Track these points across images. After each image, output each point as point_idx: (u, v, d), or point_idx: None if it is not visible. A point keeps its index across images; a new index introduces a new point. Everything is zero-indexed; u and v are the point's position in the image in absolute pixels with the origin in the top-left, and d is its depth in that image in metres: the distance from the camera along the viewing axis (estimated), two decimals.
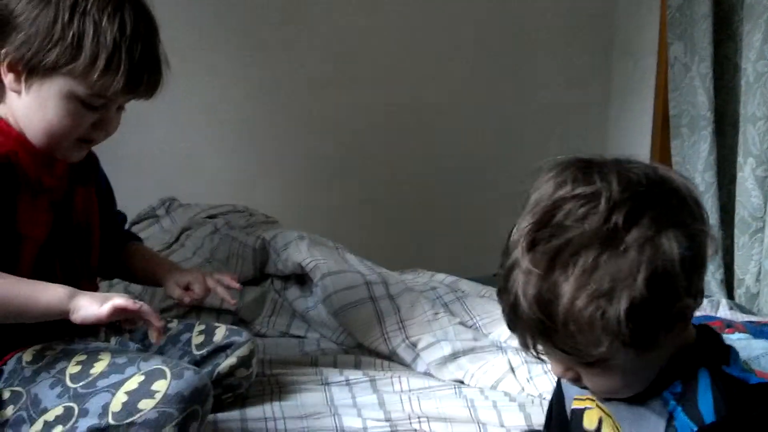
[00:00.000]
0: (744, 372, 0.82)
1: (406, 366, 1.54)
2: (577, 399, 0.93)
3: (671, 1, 2.42)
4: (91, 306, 1.08)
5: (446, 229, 2.70)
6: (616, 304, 0.74)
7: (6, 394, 1.14)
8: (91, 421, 1.07)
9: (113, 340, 1.31)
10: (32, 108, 1.15)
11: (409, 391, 1.39)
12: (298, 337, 1.73)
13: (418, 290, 1.73)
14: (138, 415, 1.06)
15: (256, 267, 1.89)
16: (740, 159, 2.23)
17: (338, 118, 2.59)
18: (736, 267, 2.23)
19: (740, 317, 1.83)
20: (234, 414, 1.28)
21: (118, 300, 1.08)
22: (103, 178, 1.38)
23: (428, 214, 2.70)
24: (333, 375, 1.43)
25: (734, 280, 2.25)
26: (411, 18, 2.62)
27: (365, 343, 1.61)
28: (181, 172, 2.43)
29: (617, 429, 0.86)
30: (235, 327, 1.35)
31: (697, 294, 0.81)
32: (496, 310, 1.68)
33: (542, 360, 0.88)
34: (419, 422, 1.27)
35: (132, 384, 1.08)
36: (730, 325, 1.63)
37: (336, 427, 1.26)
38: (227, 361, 1.29)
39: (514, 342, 1.57)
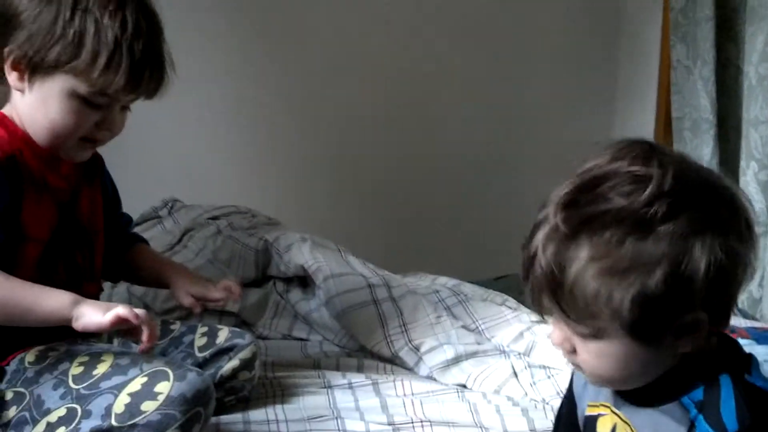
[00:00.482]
0: (766, 381, 0.81)
1: (409, 369, 1.54)
2: (591, 406, 0.92)
3: (674, 3, 2.42)
4: (94, 314, 1.08)
5: (449, 232, 2.70)
6: (626, 287, 0.74)
7: (9, 395, 1.14)
8: (94, 422, 1.07)
9: (116, 342, 1.31)
10: (35, 106, 1.15)
11: (412, 394, 1.39)
12: (301, 339, 1.73)
13: (420, 293, 1.73)
14: (141, 416, 1.06)
15: (259, 269, 1.89)
16: (743, 163, 2.23)
17: (341, 121, 2.59)
18: None
19: (743, 323, 1.83)
20: (236, 417, 1.28)
21: (122, 310, 1.08)
22: (108, 180, 1.38)
23: (431, 217, 2.70)
24: (336, 378, 1.43)
25: None
26: (411, 17, 2.61)
27: (368, 346, 1.61)
28: (183, 174, 2.43)
29: None
30: (237, 329, 1.35)
31: (718, 312, 0.79)
32: (498, 314, 1.69)
33: (545, 320, 0.88)
34: (422, 426, 1.27)
35: (135, 385, 1.08)
36: (734, 331, 1.62)
37: (339, 430, 1.26)
38: (230, 364, 1.29)
39: (517, 346, 1.58)
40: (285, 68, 2.53)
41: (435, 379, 1.49)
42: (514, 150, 2.76)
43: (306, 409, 1.31)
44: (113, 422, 1.06)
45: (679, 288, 0.75)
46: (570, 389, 0.99)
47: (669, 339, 0.78)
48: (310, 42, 2.52)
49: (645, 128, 2.63)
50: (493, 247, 2.66)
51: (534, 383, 1.43)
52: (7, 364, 1.17)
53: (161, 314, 1.70)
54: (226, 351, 1.30)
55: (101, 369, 1.12)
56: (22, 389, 1.14)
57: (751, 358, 0.83)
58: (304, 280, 1.82)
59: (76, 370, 1.13)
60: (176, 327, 1.36)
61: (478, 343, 1.56)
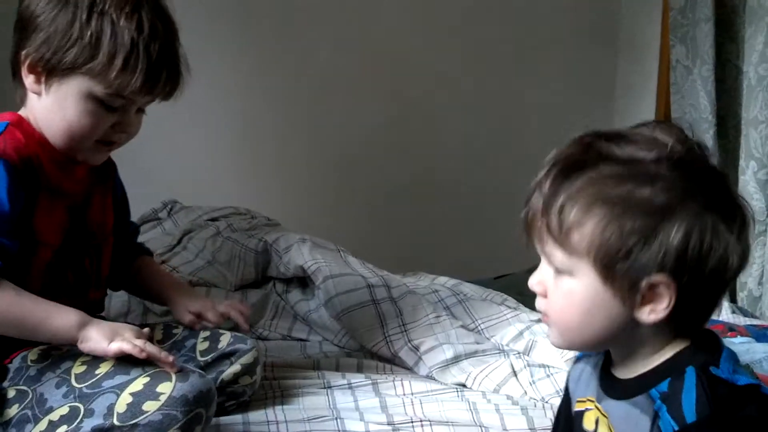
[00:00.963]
0: (735, 374, 0.82)
1: (409, 369, 1.54)
2: (579, 401, 0.93)
3: (673, 3, 2.42)
4: (99, 341, 1.10)
5: (448, 232, 2.70)
6: (610, 220, 0.79)
7: (11, 393, 1.14)
8: (96, 421, 1.07)
9: None
10: (52, 109, 1.16)
11: (412, 394, 1.39)
12: (300, 340, 1.73)
13: (419, 293, 1.73)
14: (142, 416, 1.06)
15: (258, 270, 1.89)
16: (742, 162, 2.23)
17: (340, 122, 2.59)
18: None
19: (742, 321, 1.83)
20: (236, 418, 1.28)
21: (126, 345, 1.09)
22: (119, 186, 1.38)
23: (430, 217, 2.70)
24: (335, 378, 1.43)
25: (737, 283, 2.25)
26: (413, 19, 2.62)
27: (367, 346, 1.61)
28: (183, 175, 2.44)
29: (611, 429, 0.86)
30: (239, 334, 1.35)
31: (691, 294, 0.81)
32: (498, 314, 1.69)
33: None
34: (421, 426, 1.27)
35: (137, 385, 1.08)
36: (733, 329, 1.62)
37: (338, 430, 1.26)
38: (231, 369, 1.29)
39: (517, 345, 1.58)
40: (286, 70, 2.53)
41: (434, 379, 1.49)
42: (514, 151, 2.75)
43: (306, 409, 1.31)
44: (115, 421, 1.06)
45: (655, 240, 0.78)
46: (567, 387, 1.00)
47: (634, 297, 0.80)
48: (311, 43, 2.53)
49: None
50: (493, 246, 2.67)
51: (533, 382, 1.43)
52: (10, 362, 1.17)
53: (161, 315, 1.70)
54: (228, 356, 1.30)
55: (104, 368, 1.12)
56: (24, 387, 1.14)
57: (723, 351, 0.84)
58: (303, 281, 1.82)
59: (78, 368, 1.13)
60: (179, 331, 1.36)
61: (478, 343, 1.56)
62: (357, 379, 1.43)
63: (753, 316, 2.02)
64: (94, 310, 1.32)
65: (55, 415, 1.09)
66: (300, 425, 1.26)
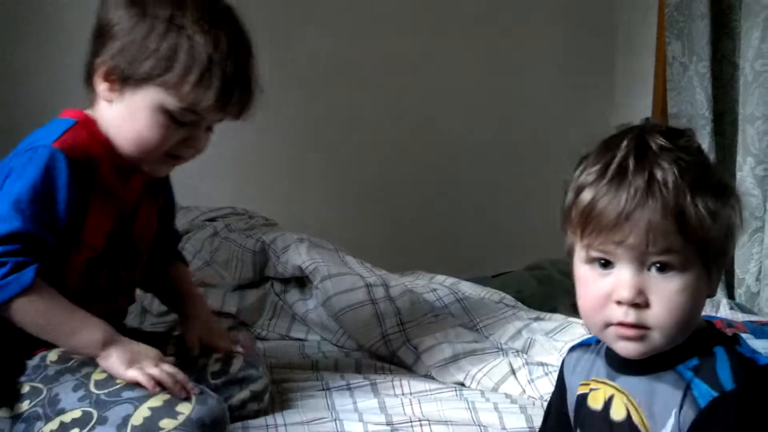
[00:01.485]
0: (754, 353, 0.87)
1: (407, 368, 1.54)
2: (582, 384, 0.94)
3: (669, 0, 2.42)
4: (117, 366, 1.12)
5: (447, 231, 2.70)
6: (727, 211, 0.85)
7: (26, 389, 1.14)
8: (109, 430, 1.07)
9: None
10: (123, 117, 1.16)
11: (410, 394, 1.38)
12: (299, 340, 1.73)
13: (418, 292, 1.73)
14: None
15: (256, 270, 1.89)
16: (739, 158, 2.23)
17: (337, 121, 2.59)
18: (736, 266, 2.23)
19: (741, 317, 1.83)
20: (236, 423, 1.27)
21: (141, 377, 1.10)
22: (170, 194, 1.39)
23: (428, 216, 2.70)
24: (334, 379, 1.43)
25: (734, 279, 2.25)
26: (411, 18, 2.62)
27: (366, 346, 1.61)
28: (180, 175, 2.43)
29: (632, 404, 0.87)
30: (251, 360, 1.33)
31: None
32: (496, 312, 1.69)
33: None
34: (420, 425, 1.27)
35: (157, 401, 1.08)
36: (731, 325, 1.63)
37: (337, 431, 1.25)
38: (240, 395, 1.28)
39: (515, 344, 1.58)
40: (280, 69, 2.52)
41: (433, 378, 1.49)
42: (513, 148, 2.76)
43: (304, 411, 1.31)
44: None
45: (735, 223, 0.86)
46: (560, 378, 1.00)
47: (714, 278, 0.87)
48: (305, 42, 2.52)
49: None
50: (491, 244, 2.68)
51: (532, 380, 1.42)
52: (30, 359, 1.17)
53: (158, 316, 1.70)
54: (239, 381, 1.29)
55: None
56: (40, 385, 1.14)
57: (737, 336, 0.90)
58: (301, 281, 1.82)
59: (99, 375, 1.13)
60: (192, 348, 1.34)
61: (476, 341, 1.56)
62: (355, 379, 1.43)
63: (751, 313, 2.02)
64: (119, 317, 1.33)
65: (67, 417, 1.09)
66: (299, 428, 1.26)
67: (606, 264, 0.85)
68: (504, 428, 1.28)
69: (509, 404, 1.35)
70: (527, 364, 1.47)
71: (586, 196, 0.84)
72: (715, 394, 0.82)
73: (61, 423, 1.09)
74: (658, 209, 0.81)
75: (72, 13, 1.95)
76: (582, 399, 0.93)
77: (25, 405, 1.13)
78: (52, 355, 1.17)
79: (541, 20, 2.76)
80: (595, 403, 0.91)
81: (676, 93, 2.42)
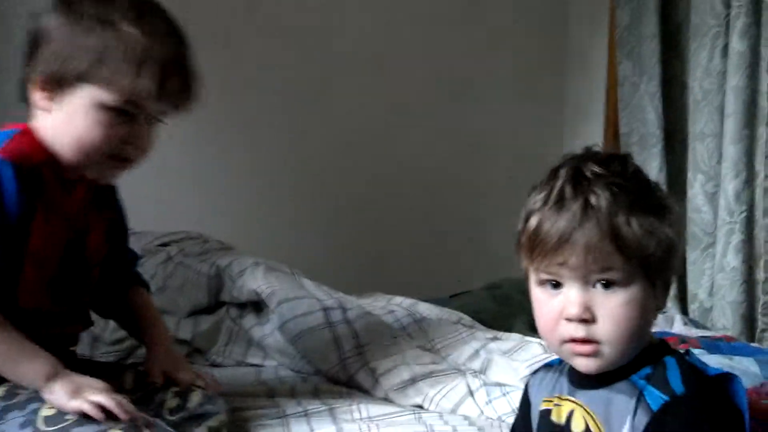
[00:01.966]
0: (704, 365, 0.93)
1: (366, 392, 1.52)
2: (545, 401, 0.98)
3: (619, 20, 2.47)
4: (60, 398, 1.08)
5: (404, 252, 2.70)
6: (663, 225, 0.89)
7: None
8: None
9: None
10: (62, 122, 1.14)
11: (368, 418, 1.37)
12: (256, 365, 1.70)
13: (376, 314, 1.72)
14: None
15: (211, 295, 1.86)
16: (690, 175, 2.27)
17: (291, 144, 2.57)
18: (689, 282, 2.26)
19: (694, 332, 1.86)
20: None
21: (85, 405, 1.07)
22: (120, 210, 1.36)
23: (386, 238, 2.69)
24: (290, 406, 1.40)
25: (688, 295, 2.28)
26: (370, 44, 2.63)
27: (323, 370, 1.59)
28: (132, 200, 2.39)
29: (590, 416, 0.92)
30: (210, 395, 1.28)
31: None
32: (454, 333, 1.69)
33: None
34: None
35: None
36: (684, 341, 1.64)
37: None
38: (198, 431, 1.24)
39: (473, 364, 1.57)
40: (237, 90, 2.51)
41: (392, 401, 1.48)
42: (468, 170, 2.77)
43: None
44: None
45: (678, 242, 0.91)
46: (525, 397, 1.04)
47: (659, 292, 0.91)
48: (266, 64, 2.52)
49: (594, 143, 2.67)
50: (448, 265, 2.68)
51: (490, 401, 1.42)
52: None
53: (109, 344, 1.66)
54: (197, 417, 1.25)
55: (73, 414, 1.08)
56: None
57: (688, 350, 0.97)
58: (258, 305, 1.79)
59: (47, 411, 1.09)
60: (151, 380, 1.29)
61: (434, 363, 1.55)
62: (313, 405, 1.41)
63: (704, 328, 2.05)
64: (71, 342, 1.29)
65: None
66: None
67: (556, 285, 0.91)
68: None
69: (467, 426, 1.34)
70: (485, 384, 1.46)
71: (533, 222, 0.91)
72: (666, 398, 0.86)
73: None
74: (594, 231, 0.87)
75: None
76: (545, 414, 0.97)
77: None
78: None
79: (492, 39, 2.79)
80: (558, 418, 0.95)
81: (628, 112, 2.45)
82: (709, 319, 2.17)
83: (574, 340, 0.89)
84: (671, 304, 2.24)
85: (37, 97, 1.15)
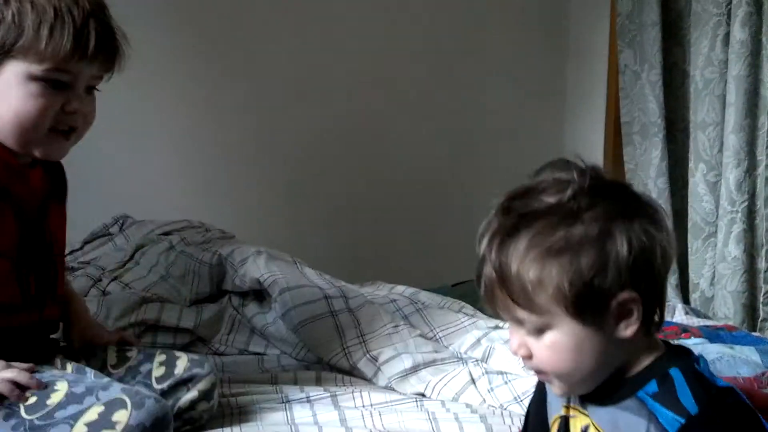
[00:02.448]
0: (712, 375, 0.88)
1: (368, 380, 1.53)
2: (564, 407, 0.96)
3: (621, 8, 2.46)
4: None
5: (405, 241, 2.70)
6: (562, 267, 0.83)
7: None
8: None
9: (69, 367, 1.26)
10: None
11: (371, 406, 1.37)
12: (258, 354, 1.71)
13: (377, 303, 1.72)
14: None
15: (213, 283, 1.86)
16: (691, 165, 2.27)
17: (293, 132, 2.57)
18: (690, 271, 2.27)
19: (696, 321, 1.86)
20: None
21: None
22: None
23: (387, 227, 2.70)
24: (293, 392, 1.41)
25: (689, 284, 2.28)
26: (364, 30, 2.62)
27: (326, 358, 1.59)
28: (135, 189, 2.40)
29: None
30: (196, 357, 1.31)
31: (648, 295, 0.85)
32: (456, 322, 1.69)
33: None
34: None
35: (92, 415, 1.06)
36: (686, 330, 1.65)
37: None
38: (188, 395, 1.25)
39: (474, 353, 1.58)
40: (237, 82, 2.51)
41: (394, 389, 1.48)
42: (468, 159, 2.77)
43: (263, 426, 1.29)
44: None
45: (608, 264, 0.83)
46: (543, 390, 1.01)
47: (609, 320, 0.85)
48: (262, 53, 2.51)
49: (595, 133, 2.67)
50: (450, 254, 2.68)
51: (491, 389, 1.42)
52: None
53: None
54: (185, 382, 1.26)
55: (55, 398, 1.09)
56: None
57: (699, 358, 0.90)
58: (260, 294, 1.80)
59: (28, 400, 1.10)
60: (133, 354, 1.32)
61: (436, 351, 1.56)
62: (315, 392, 1.41)
63: (705, 317, 2.05)
64: (49, 329, 1.29)
65: None
66: None
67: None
68: None
69: (469, 414, 1.35)
70: (487, 373, 1.47)
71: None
72: (681, 420, 0.82)
73: None
74: (489, 274, 0.85)
75: None
76: (564, 422, 0.95)
77: None
78: None
79: (493, 28, 2.78)
80: (575, 430, 0.93)
81: (629, 101, 2.45)
82: (711, 308, 2.18)
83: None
84: (673, 294, 2.24)
85: None
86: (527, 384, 1.42)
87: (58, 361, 1.24)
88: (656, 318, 0.88)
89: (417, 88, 2.70)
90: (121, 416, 1.05)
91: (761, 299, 2.03)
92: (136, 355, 1.32)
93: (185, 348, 1.65)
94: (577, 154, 0.91)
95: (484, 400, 1.42)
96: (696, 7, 2.25)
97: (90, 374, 1.21)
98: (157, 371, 1.28)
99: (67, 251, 2.03)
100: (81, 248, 2.12)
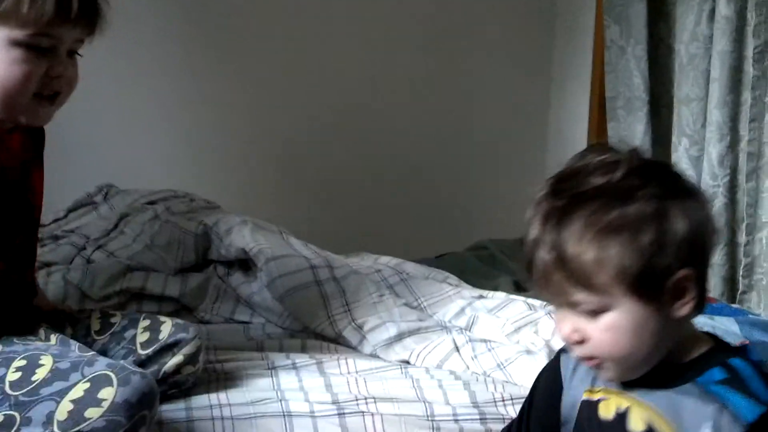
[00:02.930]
0: (762, 361, 0.88)
1: (353, 348, 1.54)
2: (589, 391, 0.94)
3: None
4: None
5: (390, 213, 2.71)
6: (622, 245, 0.82)
7: None
8: (35, 429, 1.03)
9: (53, 338, 1.25)
10: None
11: (356, 372, 1.39)
12: (243, 323, 1.72)
13: (363, 273, 1.73)
14: (85, 423, 1.03)
15: (199, 253, 1.87)
16: (675, 139, 2.28)
17: (281, 102, 2.57)
18: None
19: None
20: (179, 404, 1.25)
21: None
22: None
23: (373, 198, 2.70)
24: (279, 359, 1.42)
25: None
26: (359, 15, 2.61)
27: (311, 327, 1.60)
28: (119, 158, 2.39)
29: (659, 417, 0.86)
30: (181, 322, 1.32)
31: (701, 272, 0.85)
32: (440, 291, 1.71)
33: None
34: (366, 403, 1.28)
35: (77, 392, 1.05)
36: None
37: (283, 411, 1.25)
38: (174, 360, 1.26)
39: (458, 321, 1.60)
40: (224, 52, 2.49)
41: (378, 357, 1.50)
42: (453, 133, 2.77)
43: (250, 391, 1.30)
44: (56, 429, 1.03)
45: (667, 241, 0.83)
46: (556, 373, 1.00)
47: (668, 299, 0.84)
48: (253, 26, 2.50)
49: (580, 108, 2.68)
50: (435, 226, 2.70)
51: (475, 356, 1.44)
52: None
53: (98, 301, 1.67)
54: (170, 347, 1.27)
55: (40, 374, 1.08)
56: None
57: (745, 346, 0.90)
58: (245, 263, 1.80)
59: (13, 375, 1.09)
60: (117, 320, 1.32)
61: (421, 320, 1.57)
62: (301, 359, 1.43)
63: None
64: (30, 292, 1.29)
65: None
66: (244, 408, 1.25)
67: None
68: (448, 403, 1.29)
69: (453, 380, 1.37)
70: (471, 341, 1.48)
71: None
72: (760, 407, 0.81)
73: None
74: (546, 258, 0.84)
75: None
76: (591, 406, 0.93)
77: None
78: None
79: (481, 4, 2.77)
80: (606, 413, 0.90)
81: (614, 76, 2.46)
82: None
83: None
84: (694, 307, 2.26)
85: None
86: (510, 352, 1.44)
87: (42, 332, 1.24)
88: (706, 292, 0.87)
89: (405, 65, 2.69)
90: (107, 393, 1.05)
91: (741, 272, 2.06)
92: (120, 320, 1.32)
93: (170, 316, 1.66)
94: (620, 138, 0.89)
95: (468, 367, 1.44)
96: None
97: (75, 347, 1.20)
98: (142, 336, 1.28)
99: (50, 219, 2.05)
100: (65, 216, 2.11)
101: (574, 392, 0.96)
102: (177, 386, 1.28)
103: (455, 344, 1.48)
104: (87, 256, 1.87)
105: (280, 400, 1.27)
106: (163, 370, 1.25)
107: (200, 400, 1.27)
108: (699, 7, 2.18)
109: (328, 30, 2.57)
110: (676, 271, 0.83)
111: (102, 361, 1.11)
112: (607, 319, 0.84)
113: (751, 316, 1.69)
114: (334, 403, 1.27)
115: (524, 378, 1.36)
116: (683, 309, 0.85)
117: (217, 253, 1.84)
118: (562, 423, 0.97)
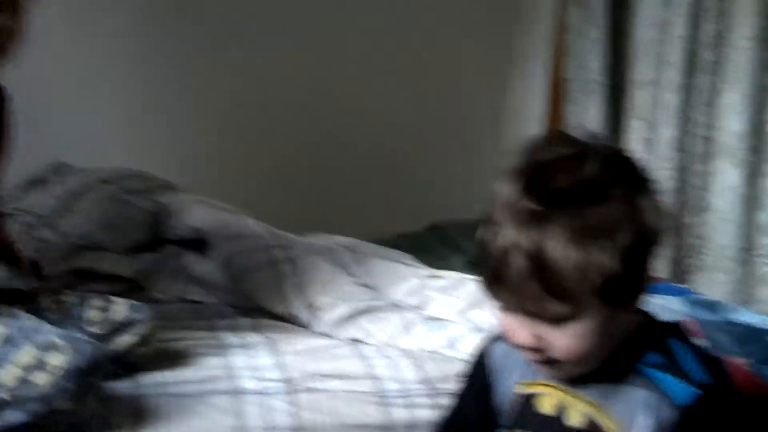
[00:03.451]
0: (700, 345, 0.88)
1: (305, 327, 1.54)
2: (527, 384, 0.91)
3: None
4: None
5: (348, 193, 2.70)
6: (604, 248, 0.77)
7: None
8: None
9: (2, 310, 1.25)
10: None
11: (307, 350, 1.39)
12: (196, 302, 1.70)
13: (317, 252, 1.73)
14: (33, 389, 1.03)
15: (152, 232, 1.84)
16: (629, 122, 2.31)
17: (237, 81, 2.54)
18: None
19: None
20: (128, 383, 1.25)
21: None
22: None
23: (330, 178, 2.69)
24: (230, 338, 1.42)
25: None
26: None
27: (265, 306, 1.60)
28: (73, 135, 2.34)
29: (595, 408, 0.85)
30: (135, 302, 1.31)
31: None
32: (394, 270, 1.71)
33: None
34: (316, 381, 1.28)
35: (26, 356, 1.05)
36: None
37: (232, 390, 1.25)
38: (126, 339, 1.26)
39: (411, 300, 1.60)
40: (194, 26, 2.45)
41: (330, 336, 1.50)
42: (411, 113, 2.76)
43: (199, 370, 1.30)
44: (2, 395, 1.03)
45: (643, 242, 0.80)
46: (482, 369, 0.96)
47: (632, 299, 0.82)
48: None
49: (537, 89, 2.69)
50: (392, 205, 2.70)
51: (427, 334, 1.45)
52: None
53: (48, 280, 1.64)
54: (123, 327, 1.26)
55: None
56: None
57: (677, 324, 0.88)
58: (199, 243, 1.79)
59: None
60: (69, 299, 1.31)
61: (373, 299, 1.57)
62: (253, 337, 1.42)
63: None
64: None
65: None
66: (193, 386, 1.25)
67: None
68: (399, 381, 1.30)
69: (405, 358, 1.37)
70: (423, 319, 1.49)
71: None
72: (693, 389, 0.80)
73: None
74: (523, 275, 0.78)
75: None
76: (526, 400, 0.90)
77: None
78: None
79: None
80: (545, 408, 0.88)
81: (572, 59, 2.48)
82: None
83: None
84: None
85: None
86: (461, 330, 1.45)
87: None
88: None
89: (369, 38, 2.67)
90: (56, 360, 1.05)
91: (687, 253, 2.09)
92: (72, 299, 1.31)
93: (122, 296, 1.64)
94: (579, 124, 0.85)
95: (420, 345, 1.44)
96: None
97: (24, 317, 1.19)
98: (96, 316, 1.27)
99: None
100: (15, 195, 2.07)
101: (508, 383, 0.93)
102: (128, 367, 1.27)
103: (407, 322, 1.48)
104: (37, 235, 1.84)
105: (230, 378, 1.27)
106: (115, 350, 1.24)
107: (149, 378, 1.26)
108: None
109: (288, 5, 2.55)
110: (648, 270, 0.81)
111: (51, 331, 1.11)
112: (574, 326, 0.80)
113: (693, 295, 1.72)
114: (284, 381, 1.27)
115: None
116: (639, 299, 0.83)
117: (171, 233, 1.82)
118: (498, 414, 0.94)
